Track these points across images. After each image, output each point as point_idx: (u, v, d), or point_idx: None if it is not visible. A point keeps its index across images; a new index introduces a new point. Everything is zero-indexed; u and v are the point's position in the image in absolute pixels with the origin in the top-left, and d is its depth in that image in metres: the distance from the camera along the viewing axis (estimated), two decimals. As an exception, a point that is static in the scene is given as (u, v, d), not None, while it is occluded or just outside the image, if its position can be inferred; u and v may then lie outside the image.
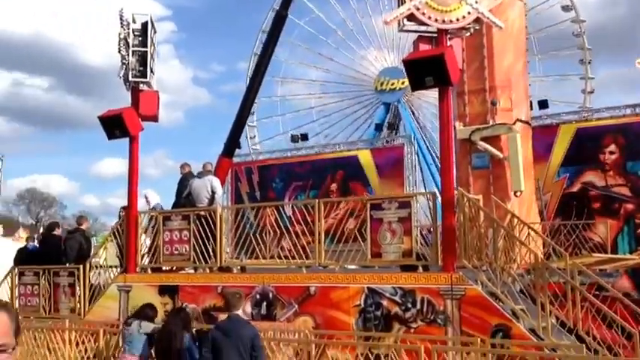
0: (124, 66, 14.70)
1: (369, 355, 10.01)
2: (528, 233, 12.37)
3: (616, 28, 75.21)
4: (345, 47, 43.92)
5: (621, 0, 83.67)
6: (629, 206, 21.00)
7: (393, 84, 41.78)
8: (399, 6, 11.93)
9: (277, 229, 14.06)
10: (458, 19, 11.59)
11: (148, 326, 9.52)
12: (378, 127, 41.81)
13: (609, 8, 77.59)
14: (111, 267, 15.19)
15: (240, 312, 8.28)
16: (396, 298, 11.28)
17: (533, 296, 10.57)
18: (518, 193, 15.34)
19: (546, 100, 24.62)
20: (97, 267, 15.27)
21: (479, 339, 9.78)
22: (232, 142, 24.04)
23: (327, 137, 42.46)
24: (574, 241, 18.25)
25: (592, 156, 21.59)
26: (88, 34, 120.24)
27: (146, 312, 9.70)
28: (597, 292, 11.77)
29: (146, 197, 15.84)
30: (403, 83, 39.16)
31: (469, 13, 11.56)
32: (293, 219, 14.87)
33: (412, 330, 11.02)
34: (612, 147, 21.45)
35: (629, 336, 10.22)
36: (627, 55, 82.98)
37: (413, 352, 9.43)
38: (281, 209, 15.42)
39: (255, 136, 41.57)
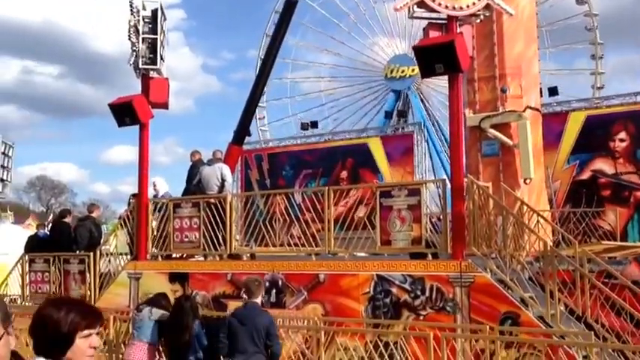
0: (134, 53, 14.77)
1: (379, 342, 10.07)
2: (537, 221, 12.39)
3: (627, 14, 74.51)
4: (356, 32, 43.88)
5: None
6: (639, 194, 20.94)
7: (403, 71, 41.71)
8: (409, -8, 11.92)
9: (287, 217, 14.12)
10: (468, 6, 11.59)
11: (158, 312, 9.58)
12: (388, 115, 41.74)
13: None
14: (121, 254, 15.30)
15: (259, 300, 8.31)
16: (406, 286, 11.32)
17: (542, 284, 10.57)
18: (527, 181, 15.33)
19: (556, 87, 24.56)
20: (107, 254, 15.40)
21: (488, 326, 9.82)
22: (242, 130, 24.00)
23: (335, 121, 42.51)
24: (583, 229, 18.22)
25: (602, 143, 21.50)
26: (99, 22, 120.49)
27: (159, 300, 9.76)
28: (606, 280, 11.75)
29: (154, 185, 15.92)
30: (413, 71, 39.09)
31: (479, -1, 11.58)
32: (303, 207, 14.93)
33: (421, 317, 11.05)
34: (622, 134, 21.36)
35: (638, 323, 10.25)
36: (637, 40, 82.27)
37: (422, 339, 9.46)
38: (291, 197, 15.44)
39: (264, 117, 41.60)
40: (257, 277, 9.53)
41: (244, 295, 9.54)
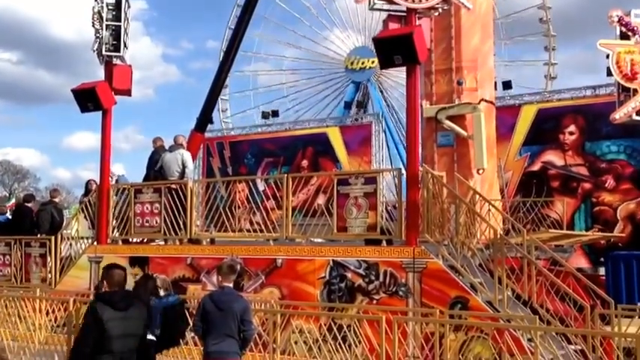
0: (98, 40, 14.87)
1: (333, 325, 10.35)
2: (489, 209, 12.80)
3: (574, 12, 76.08)
4: (317, 25, 44.02)
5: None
6: (587, 185, 21.52)
7: (363, 63, 42.00)
8: (369, -15, 12.21)
9: (247, 204, 14.38)
10: (427, -1, 11.89)
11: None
12: (347, 106, 42.08)
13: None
14: (82, 238, 15.44)
15: (231, 284, 8.41)
16: (360, 271, 11.68)
17: (492, 270, 10.99)
18: (480, 171, 15.70)
19: (510, 81, 24.96)
20: (68, 238, 15.53)
21: (438, 310, 10.15)
22: (205, 117, 24.10)
23: (297, 113, 42.71)
24: (533, 218, 18.73)
25: (552, 136, 22.05)
26: (58, 8, 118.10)
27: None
28: (552, 267, 12.26)
29: (111, 174, 16.09)
30: (373, 62, 39.38)
31: (438, -7, 11.89)
32: (263, 195, 15.21)
33: (375, 301, 11.41)
34: (572, 127, 21.93)
35: (581, 309, 10.62)
36: (587, 37, 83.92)
37: (374, 322, 9.67)
38: (252, 185, 15.69)
39: (227, 110, 41.68)
40: (235, 261, 9.70)
41: (218, 278, 9.76)
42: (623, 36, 10.10)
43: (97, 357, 6.63)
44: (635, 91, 9.86)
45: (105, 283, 7.44)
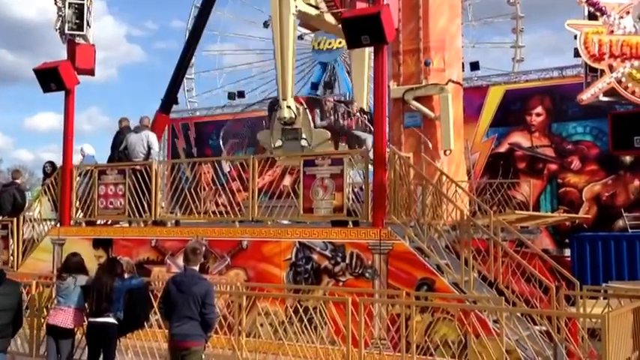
0: (60, 18, 14.56)
1: (299, 307, 10.28)
2: (455, 191, 12.81)
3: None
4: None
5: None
6: (553, 166, 21.75)
7: (330, 43, 41.79)
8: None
9: (213, 186, 14.24)
10: (395, -22, 11.81)
11: (82, 279, 9.61)
12: (314, 86, 41.88)
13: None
14: (45, 220, 15.20)
15: (197, 267, 8.35)
16: (326, 253, 11.62)
17: (458, 251, 11.01)
18: (447, 152, 15.73)
19: (477, 62, 25.07)
20: (30, 220, 15.26)
21: (404, 292, 10.16)
22: (170, 98, 23.79)
23: (263, 93, 42.41)
24: (499, 200, 18.89)
25: (519, 117, 22.23)
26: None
27: (76, 263, 9.74)
28: (518, 248, 12.32)
29: (82, 151, 15.85)
30: (340, 43, 39.22)
31: (406, -28, 11.82)
32: (229, 176, 15.06)
33: (341, 283, 11.37)
34: (539, 109, 22.11)
35: (546, 290, 10.69)
36: (556, 18, 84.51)
37: (341, 304, 9.65)
38: (217, 166, 15.56)
39: (192, 89, 41.20)
40: (199, 243, 9.61)
41: (181, 262, 9.65)
42: (592, 16, 10.07)
43: None
44: (603, 72, 9.85)
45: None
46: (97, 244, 13.85)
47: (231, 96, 32.71)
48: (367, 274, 11.18)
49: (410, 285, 10.68)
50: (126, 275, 9.48)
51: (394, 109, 16.32)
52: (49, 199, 15.18)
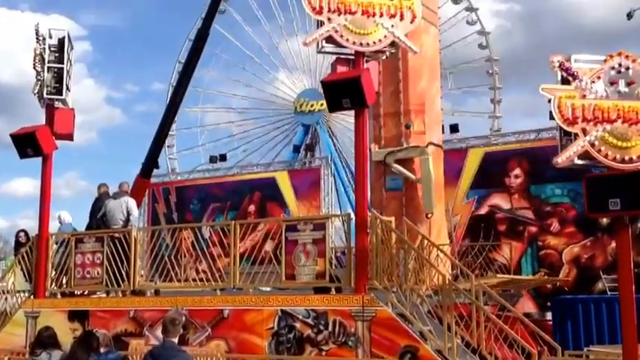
0: (39, 82, 14.49)
1: (281, 378, 10.09)
2: (437, 255, 12.73)
3: (520, 55, 78.51)
4: (269, 65, 44.41)
5: (518, 31, 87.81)
6: (533, 229, 21.80)
7: (312, 105, 42.16)
8: (317, 27, 12.26)
9: (193, 252, 14.06)
10: (375, 42, 12.01)
11: (57, 354, 9.37)
12: (296, 149, 42.14)
13: (507, 39, 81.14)
14: (19, 292, 14.83)
15: (176, 339, 8.16)
16: (309, 321, 11.44)
17: (440, 317, 10.88)
18: (429, 215, 15.71)
19: (457, 124, 25.32)
20: (3, 292, 14.90)
21: (388, 361, 10.04)
22: (151, 162, 23.71)
23: (245, 152, 42.68)
24: (481, 263, 18.80)
25: (498, 179, 22.36)
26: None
27: (48, 338, 9.52)
28: (500, 313, 12.19)
29: (59, 218, 15.65)
30: (322, 105, 39.59)
31: (385, 36, 12.05)
32: (209, 242, 14.91)
33: (324, 353, 11.16)
34: (517, 171, 22.27)
35: (529, 355, 10.53)
36: (534, 79, 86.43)
37: (324, 375, 9.54)
38: (197, 231, 15.41)
39: (173, 146, 41.12)
40: (178, 314, 9.41)
41: (160, 334, 9.42)
42: (565, 81, 10.19)
43: None
44: (577, 135, 9.92)
45: None
46: (73, 316, 13.52)
47: (213, 159, 32.68)
48: (350, 343, 10.99)
49: (393, 353, 10.52)
50: (102, 349, 9.22)
51: (376, 173, 16.35)
52: (22, 269, 14.84)
